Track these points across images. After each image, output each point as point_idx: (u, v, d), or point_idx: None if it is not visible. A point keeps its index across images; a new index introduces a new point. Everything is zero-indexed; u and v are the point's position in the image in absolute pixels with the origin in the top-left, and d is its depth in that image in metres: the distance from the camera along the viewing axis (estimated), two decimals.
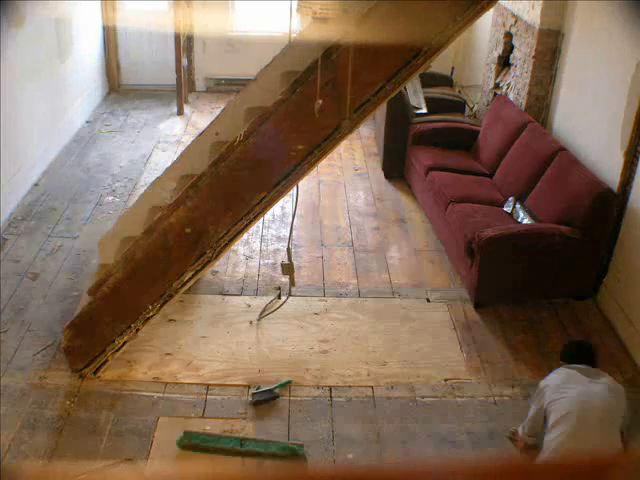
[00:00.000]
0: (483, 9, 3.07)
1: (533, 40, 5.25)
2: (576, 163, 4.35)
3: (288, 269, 4.06)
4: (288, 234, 3.93)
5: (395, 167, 5.85)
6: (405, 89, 5.84)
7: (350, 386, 3.58)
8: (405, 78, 3.15)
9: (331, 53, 3.03)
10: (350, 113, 3.13)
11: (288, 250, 3.91)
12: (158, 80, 7.84)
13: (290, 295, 4.22)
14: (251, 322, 4.05)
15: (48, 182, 5.64)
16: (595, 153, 4.45)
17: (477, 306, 4.19)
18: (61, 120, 6.30)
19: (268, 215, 5.05)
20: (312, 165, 3.29)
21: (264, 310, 4.15)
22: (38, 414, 3.34)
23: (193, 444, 3.13)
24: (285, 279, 4.23)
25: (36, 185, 5.55)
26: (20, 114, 5.32)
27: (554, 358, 3.81)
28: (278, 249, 4.79)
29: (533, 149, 4.75)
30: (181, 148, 3.93)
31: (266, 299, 4.24)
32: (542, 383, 3.07)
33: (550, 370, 3.69)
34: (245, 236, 4.55)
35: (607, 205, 4.01)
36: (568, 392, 2.95)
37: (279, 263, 4.40)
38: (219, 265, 4.48)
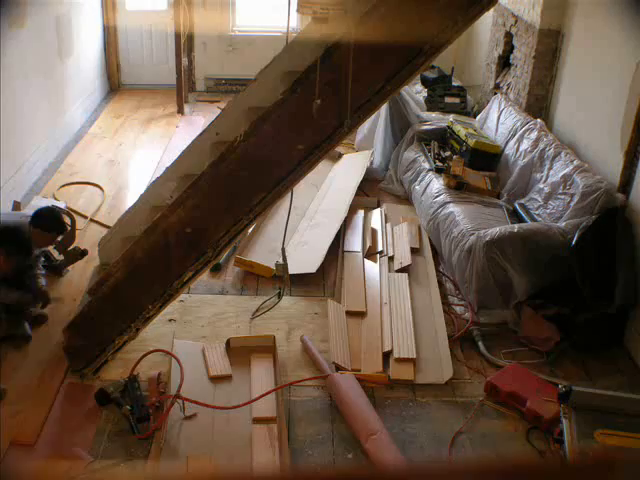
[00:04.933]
0: (483, 9, 3.07)
1: (533, 40, 5.25)
2: None
3: (282, 269, 4.06)
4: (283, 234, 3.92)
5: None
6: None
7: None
8: (405, 78, 3.15)
9: (331, 53, 3.03)
10: (350, 113, 3.13)
11: (282, 250, 3.90)
12: (158, 80, 7.85)
13: (285, 294, 4.23)
14: (252, 318, 4.07)
15: (48, 182, 5.63)
16: (595, 153, 4.45)
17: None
18: (61, 120, 6.31)
19: None
20: (312, 165, 3.29)
21: (258, 309, 4.16)
22: None
23: None
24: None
25: (36, 184, 5.55)
26: (20, 114, 5.32)
27: (554, 357, 3.82)
28: (278, 249, 4.78)
29: None
30: (181, 148, 3.92)
31: (266, 299, 4.25)
32: None
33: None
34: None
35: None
36: None
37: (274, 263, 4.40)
38: None
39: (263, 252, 4.67)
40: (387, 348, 3.78)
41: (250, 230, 4.79)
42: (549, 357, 3.81)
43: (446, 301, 4.28)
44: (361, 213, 5.21)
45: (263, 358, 3.70)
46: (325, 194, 5.49)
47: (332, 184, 5.65)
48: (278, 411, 3.34)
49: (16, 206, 4.92)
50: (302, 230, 5.01)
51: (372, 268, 4.54)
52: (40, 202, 5.11)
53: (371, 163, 5.95)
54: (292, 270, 4.15)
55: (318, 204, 5.35)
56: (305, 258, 4.59)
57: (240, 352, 3.74)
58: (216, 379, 3.56)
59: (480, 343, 3.91)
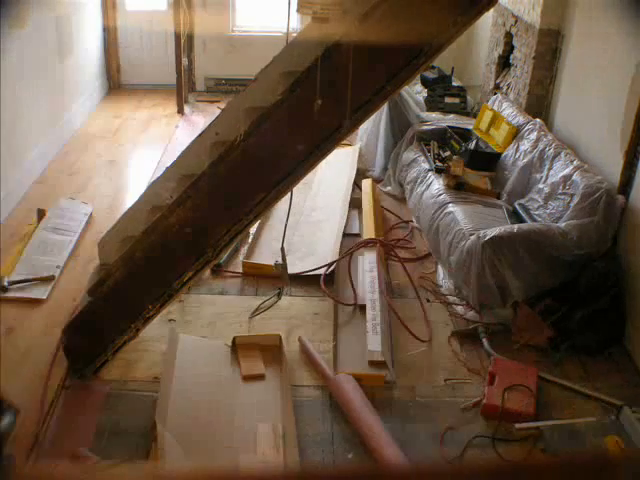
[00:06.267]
0: (483, 9, 3.07)
1: (533, 40, 5.25)
2: None
3: (282, 269, 4.06)
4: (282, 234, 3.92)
5: None
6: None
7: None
8: (405, 78, 3.14)
9: (331, 53, 3.03)
10: (350, 113, 3.13)
11: (282, 249, 3.91)
12: (158, 80, 7.85)
13: (285, 294, 4.25)
14: (250, 317, 4.08)
15: (48, 181, 5.63)
16: (595, 153, 4.45)
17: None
18: (61, 119, 6.31)
19: None
20: (312, 165, 3.29)
21: (257, 309, 4.16)
22: None
23: None
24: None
25: (35, 184, 5.55)
26: (20, 114, 5.32)
27: (560, 358, 3.83)
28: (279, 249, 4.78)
29: None
30: (181, 148, 3.92)
31: (265, 299, 4.25)
32: None
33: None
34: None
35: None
36: None
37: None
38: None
39: (269, 253, 4.67)
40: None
41: (252, 232, 4.82)
42: (555, 358, 3.82)
43: (445, 299, 4.29)
44: (357, 212, 5.23)
45: (270, 357, 3.71)
46: (317, 191, 5.56)
47: (324, 181, 5.68)
48: (286, 411, 3.34)
49: (40, 213, 4.91)
50: (304, 230, 5.02)
51: (368, 268, 4.54)
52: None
53: (371, 168, 5.99)
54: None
55: (314, 202, 5.40)
56: (320, 260, 4.62)
57: (246, 350, 3.74)
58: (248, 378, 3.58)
59: (484, 340, 3.91)
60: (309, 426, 3.34)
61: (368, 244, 4.59)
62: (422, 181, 5.21)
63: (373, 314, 3.90)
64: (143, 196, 3.94)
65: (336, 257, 4.58)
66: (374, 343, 3.65)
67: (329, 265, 4.50)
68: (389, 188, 5.69)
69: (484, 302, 4.10)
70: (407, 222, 5.23)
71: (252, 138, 3.17)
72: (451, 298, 4.31)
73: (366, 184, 5.43)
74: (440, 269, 4.58)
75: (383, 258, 4.60)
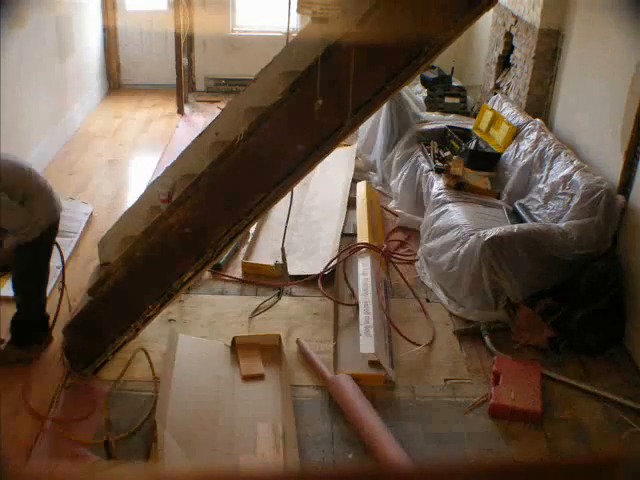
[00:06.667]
0: (483, 9, 3.07)
1: (533, 40, 5.25)
2: None
3: (282, 269, 4.06)
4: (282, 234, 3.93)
5: None
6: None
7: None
8: (405, 78, 3.14)
9: (331, 53, 3.03)
10: (350, 113, 3.13)
11: (282, 250, 3.91)
12: (158, 80, 7.85)
13: (285, 294, 4.25)
14: (250, 317, 4.08)
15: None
16: (595, 153, 4.45)
17: None
18: (61, 120, 6.31)
19: None
20: (312, 165, 3.29)
21: (257, 309, 4.16)
22: None
23: None
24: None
25: None
26: (20, 114, 5.32)
27: (562, 359, 3.83)
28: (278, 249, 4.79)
29: None
30: (181, 148, 3.92)
31: (265, 299, 4.25)
32: None
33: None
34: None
35: None
36: None
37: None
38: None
39: (268, 253, 4.66)
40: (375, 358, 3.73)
41: (252, 232, 4.82)
42: (557, 358, 3.82)
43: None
44: (354, 211, 5.24)
45: (269, 357, 3.71)
46: (316, 191, 5.58)
47: (322, 181, 5.69)
48: (286, 411, 3.34)
49: None
50: (304, 230, 5.02)
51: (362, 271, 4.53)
52: None
53: (373, 170, 6.01)
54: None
55: (312, 201, 5.42)
56: (320, 260, 4.62)
57: (245, 350, 3.74)
58: (249, 378, 3.58)
59: (487, 338, 3.91)
60: (309, 426, 3.34)
61: (361, 249, 4.58)
62: (422, 181, 5.20)
63: (366, 316, 3.88)
64: (143, 196, 3.95)
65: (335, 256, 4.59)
66: (366, 345, 3.63)
67: (327, 266, 4.50)
68: (388, 188, 5.69)
69: (483, 301, 4.09)
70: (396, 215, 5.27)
71: (252, 138, 3.17)
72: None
73: (361, 187, 5.43)
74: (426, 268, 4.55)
75: (383, 260, 4.60)
